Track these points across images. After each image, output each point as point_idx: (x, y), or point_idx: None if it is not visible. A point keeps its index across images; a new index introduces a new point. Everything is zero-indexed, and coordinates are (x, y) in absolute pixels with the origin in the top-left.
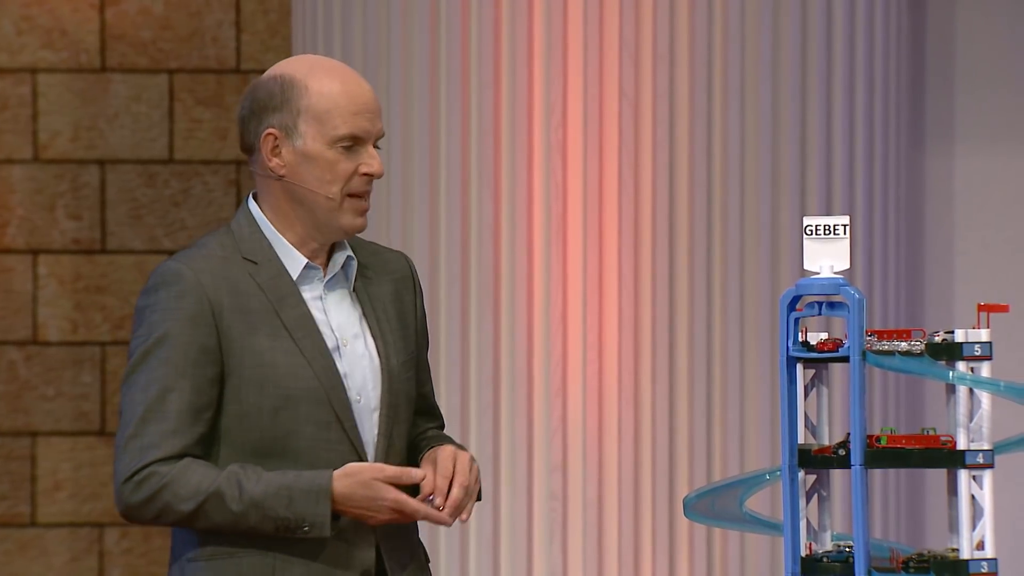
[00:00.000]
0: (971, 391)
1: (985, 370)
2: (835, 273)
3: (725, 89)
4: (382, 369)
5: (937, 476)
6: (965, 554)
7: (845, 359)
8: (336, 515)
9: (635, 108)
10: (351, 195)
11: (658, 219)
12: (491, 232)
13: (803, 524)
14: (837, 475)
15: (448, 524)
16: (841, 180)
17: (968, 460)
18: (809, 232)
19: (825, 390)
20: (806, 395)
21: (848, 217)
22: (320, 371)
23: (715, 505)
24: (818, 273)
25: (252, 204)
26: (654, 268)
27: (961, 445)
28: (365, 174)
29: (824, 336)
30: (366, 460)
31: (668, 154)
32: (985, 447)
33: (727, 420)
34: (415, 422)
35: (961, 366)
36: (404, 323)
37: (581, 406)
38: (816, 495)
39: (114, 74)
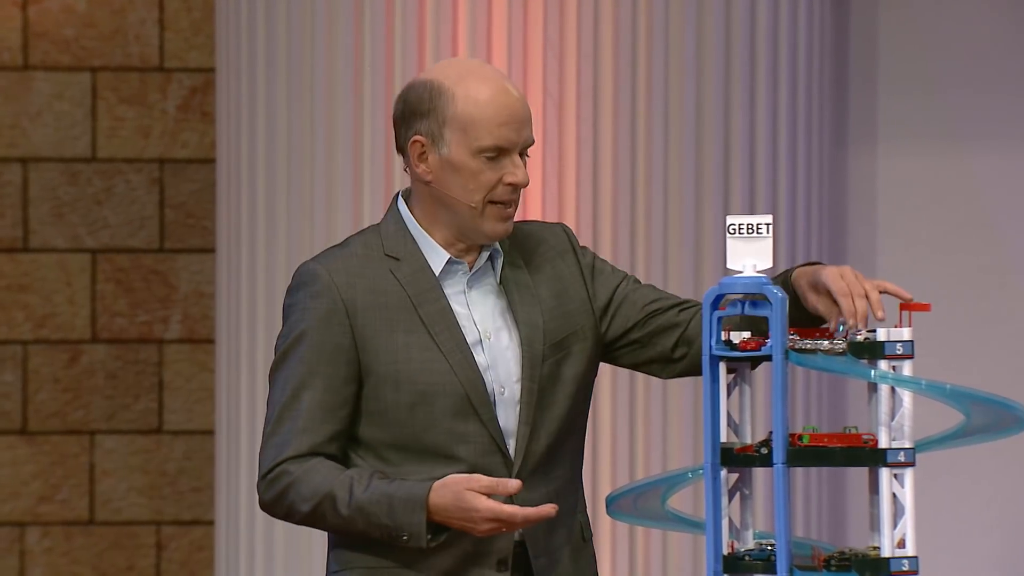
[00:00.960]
0: (893, 390)
1: (907, 369)
2: (758, 272)
3: (649, 88)
4: (523, 357)
5: (859, 474)
6: (886, 552)
7: (768, 358)
8: (442, 528)
9: (559, 106)
10: (494, 202)
11: (582, 217)
12: None
13: (725, 522)
14: (759, 473)
15: (552, 514)
16: (764, 179)
17: (890, 458)
18: (732, 231)
19: (748, 389)
20: (729, 394)
21: (771, 216)
22: (457, 364)
23: (638, 503)
24: (741, 272)
25: (400, 202)
26: None
27: (883, 443)
28: (509, 183)
29: (747, 335)
30: (507, 451)
31: (592, 152)
32: (907, 445)
33: (650, 418)
34: (675, 319)
35: (883, 365)
36: (564, 300)
37: None
38: (738, 493)
39: (36, 72)
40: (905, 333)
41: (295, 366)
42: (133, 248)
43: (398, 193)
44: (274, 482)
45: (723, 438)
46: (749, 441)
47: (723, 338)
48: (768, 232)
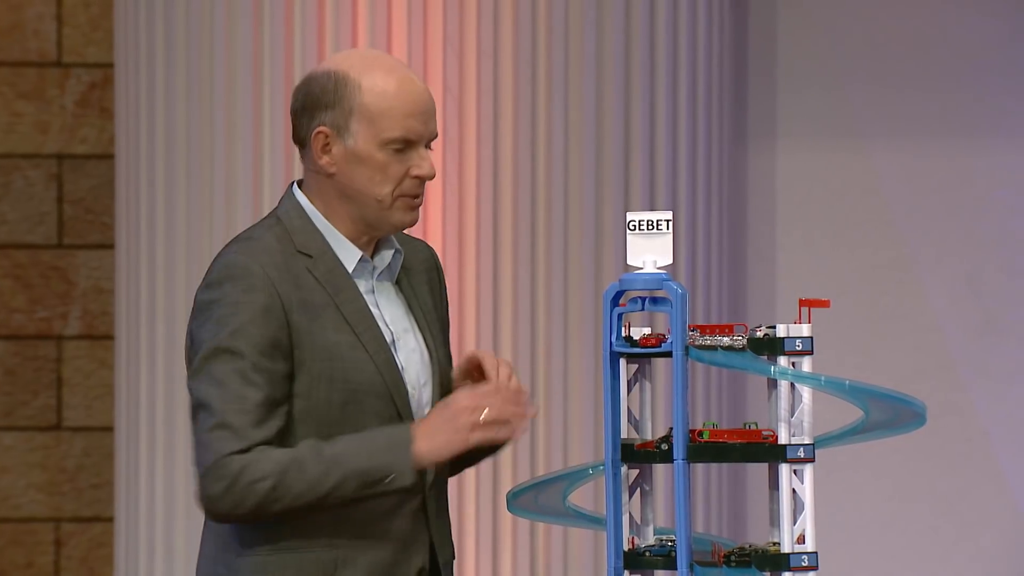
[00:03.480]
0: (792, 386)
1: (806, 365)
2: (658, 268)
3: (549, 85)
4: (432, 363)
5: (759, 470)
6: (786, 547)
7: (668, 354)
8: (419, 472)
9: (459, 103)
10: (401, 195)
11: (482, 214)
12: None
13: (626, 518)
14: (660, 469)
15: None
16: (664, 176)
17: (789, 454)
18: (632, 227)
19: (648, 385)
20: (629, 390)
21: (671, 212)
22: (382, 365)
23: (538, 499)
24: (641, 268)
25: (300, 194)
26: (478, 262)
27: (782, 439)
28: (416, 176)
29: (647, 331)
30: None
31: (492, 149)
32: (806, 441)
33: (551, 414)
34: None
35: (783, 361)
36: (439, 315)
37: None
38: (639, 489)
39: None
40: (804, 329)
41: (233, 362)
42: (32, 244)
43: (293, 183)
44: (222, 472)
45: (624, 434)
46: (650, 437)
47: (623, 334)
48: (668, 228)
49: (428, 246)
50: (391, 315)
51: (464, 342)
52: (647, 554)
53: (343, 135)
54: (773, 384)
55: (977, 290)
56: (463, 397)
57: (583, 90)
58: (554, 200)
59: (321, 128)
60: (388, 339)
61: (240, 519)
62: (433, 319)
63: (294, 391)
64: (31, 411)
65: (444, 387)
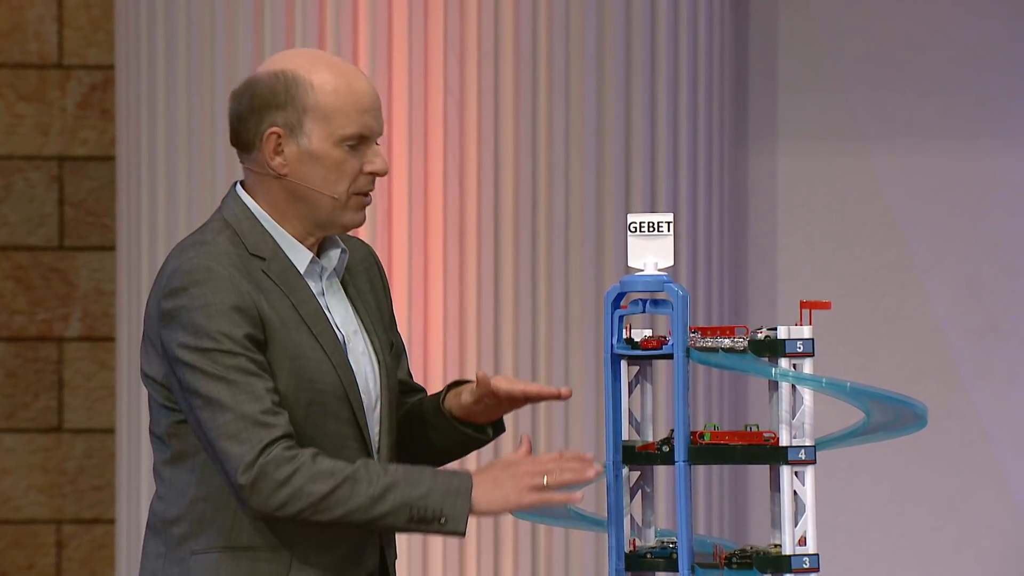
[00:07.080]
0: (793, 388)
1: (807, 367)
2: (659, 270)
3: (550, 86)
4: (379, 364)
5: (760, 472)
6: (787, 549)
7: (669, 356)
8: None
9: (460, 105)
10: (356, 193)
11: (483, 215)
12: None
13: (627, 520)
14: (661, 471)
15: (590, 477)
16: (665, 177)
17: (790, 456)
18: (633, 229)
19: (649, 387)
20: (630, 392)
21: (672, 214)
22: (340, 367)
23: None
24: (642, 270)
25: (245, 195)
26: (479, 264)
27: (784, 441)
28: (370, 172)
29: (648, 333)
30: (373, 458)
31: (493, 151)
32: (807, 443)
33: (552, 417)
34: (400, 401)
35: (784, 363)
36: (381, 313)
37: None
38: (640, 491)
39: None
40: (805, 331)
41: (229, 358)
42: (32, 246)
43: (236, 184)
44: (279, 465)
45: (625, 436)
46: (651, 439)
47: (624, 336)
48: (669, 230)
49: (365, 244)
50: (340, 317)
51: (465, 344)
52: (648, 556)
53: (296, 135)
54: (774, 386)
55: (978, 292)
56: (527, 459)
57: (584, 92)
58: (555, 202)
59: (273, 129)
60: (340, 340)
61: (277, 516)
62: (377, 320)
63: None
64: (32, 413)
65: (391, 390)
